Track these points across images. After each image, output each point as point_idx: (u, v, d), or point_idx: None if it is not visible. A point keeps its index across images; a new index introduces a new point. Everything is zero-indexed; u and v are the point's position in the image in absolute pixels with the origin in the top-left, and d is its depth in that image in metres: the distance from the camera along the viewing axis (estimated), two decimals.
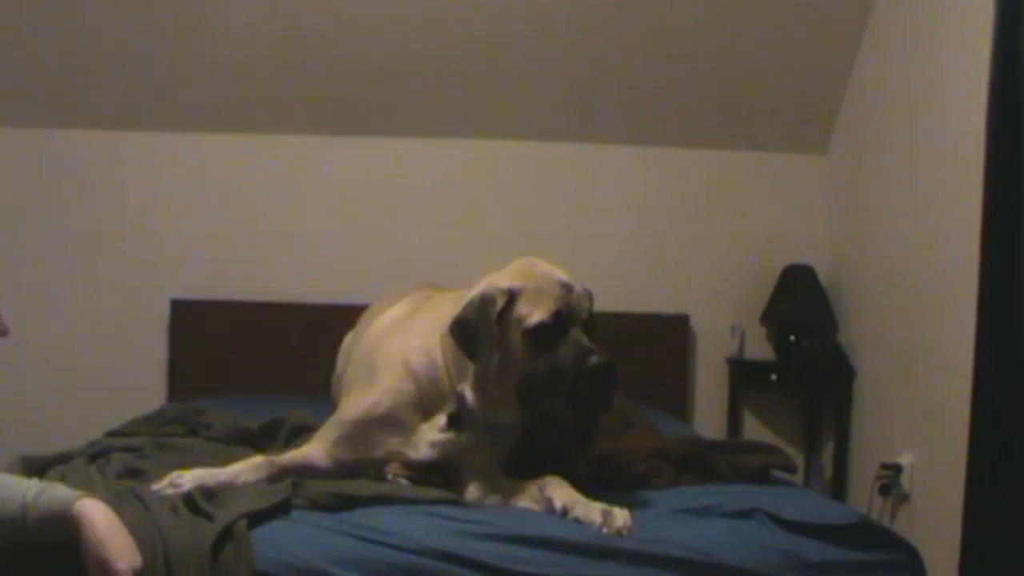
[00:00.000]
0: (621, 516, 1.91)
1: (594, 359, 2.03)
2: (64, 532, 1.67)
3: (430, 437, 2.18)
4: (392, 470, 2.19)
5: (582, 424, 2.21)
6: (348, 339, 2.91)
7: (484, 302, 2.09)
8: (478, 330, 2.08)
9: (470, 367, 2.13)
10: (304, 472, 2.14)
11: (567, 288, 2.11)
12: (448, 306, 2.25)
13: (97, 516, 1.68)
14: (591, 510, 1.94)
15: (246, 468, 2.11)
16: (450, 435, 2.16)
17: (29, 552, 1.70)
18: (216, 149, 4.02)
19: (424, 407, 2.20)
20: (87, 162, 4.00)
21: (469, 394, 2.13)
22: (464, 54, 3.83)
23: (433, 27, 3.76)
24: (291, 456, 2.22)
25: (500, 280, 2.14)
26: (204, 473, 2.05)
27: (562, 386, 2.04)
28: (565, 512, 1.97)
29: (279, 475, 2.11)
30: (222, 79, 3.85)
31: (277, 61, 3.81)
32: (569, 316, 2.08)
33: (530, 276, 2.13)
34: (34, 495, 1.69)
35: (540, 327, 2.06)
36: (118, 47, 3.75)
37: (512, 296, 2.09)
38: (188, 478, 2.00)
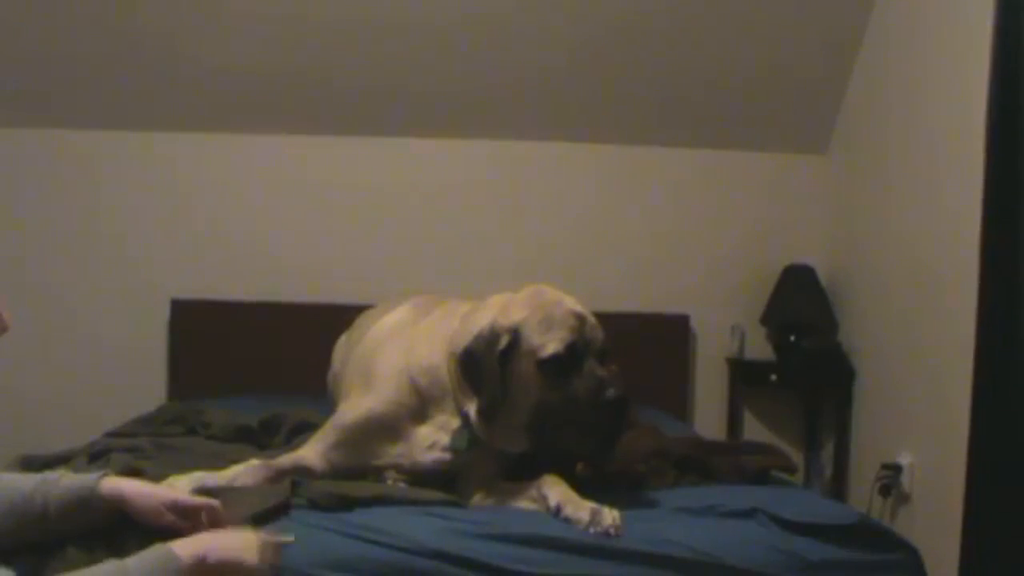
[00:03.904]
0: (610, 516, 1.90)
1: (610, 392, 2.02)
2: (89, 516, 1.69)
3: (432, 455, 2.17)
4: (392, 476, 2.19)
5: (596, 454, 2.21)
6: (343, 339, 2.90)
7: (492, 336, 2.07)
8: (482, 365, 2.07)
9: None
10: (299, 475, 2.13)
11: (580, 319, 2.10)
12: (454, 320, 2.24)
13: (130, 484, 1.73)
14: (581, 508, 1.93)
15: (243, 471, 2.11)
16: (452, 453, 2.16)
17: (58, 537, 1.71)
18: (216, 149, 4.02)
19: (424, 420, 2.20)
20: (87, 162, 4.00)
21: (474, 417, 2.12)
22: (465, 54, 3.82)
23: (433, 26, 3.76)
24: (287, 459, 2.21)
25: (513, 310, 2.11)
26: (201, 476, 2.05)
27: (578, 418, 2.03)
28: (558, 510, 1.97)
29: (276, 477, 2.11)
30: (222, 79, 3.85)
31: (277, 61, 3.81)
32: (583, 347, 2.07)
33: (542, 305, 2.11)
34: (48, 489, 1.69)
35: (554, 359, 2.05)
36: (118, 47, 3.75)
37: (517, 334, 2.07)
38: (184, 482, 1.99)
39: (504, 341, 2.06)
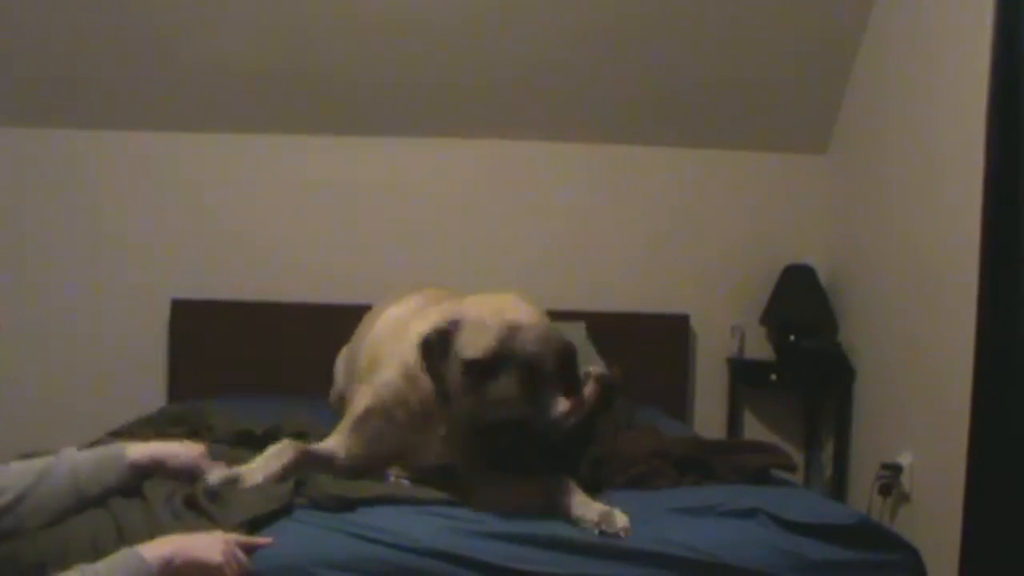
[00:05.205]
0: (620, 519, 1.90)
1: (501, 412, 1.97)
2: (116, 481, 1.86)
3: (433, 448, 2.18)
4: (395, 473, 2.20)
5: (582, 427, 2.20)
6: (344, 353, 2.89)
7: (433, 333, 2.10)
8: (429, 360, 2.10)
9: None
10: (325, 462, 2.16)
11: (514, 329, 2.04)
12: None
13: (157, 445, 1.99)
14: (590, 510, 1.93)
15: (274, 453, 2.11)
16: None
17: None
18: (216, 149, 4.02)
19: (422, 409, 2.20)
20: (87, 162, 4.00)
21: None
22: (465, 53, 3.82)
23: (433, 26, 3.76)
24: (316, 446, 2.23)
25: (466, 310, 2.11)
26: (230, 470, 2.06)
27: (476, 427, 2.02)
28: (567, 510, 1.96)
29: (302, 459, 2.12)
30: (222, 79, 3.85)
31: (277, 61, 3.81)
32: (506, 358, 2.02)
33: (492, 311, 2.08)
34: (67, 458, 1.84)
35: (474, 363, 2.03)
36: (117, 47, 3.75)
37: (454, 327, 2.07)
38: (216, 473, 2.01)
39: (436, 339, 2.09)
